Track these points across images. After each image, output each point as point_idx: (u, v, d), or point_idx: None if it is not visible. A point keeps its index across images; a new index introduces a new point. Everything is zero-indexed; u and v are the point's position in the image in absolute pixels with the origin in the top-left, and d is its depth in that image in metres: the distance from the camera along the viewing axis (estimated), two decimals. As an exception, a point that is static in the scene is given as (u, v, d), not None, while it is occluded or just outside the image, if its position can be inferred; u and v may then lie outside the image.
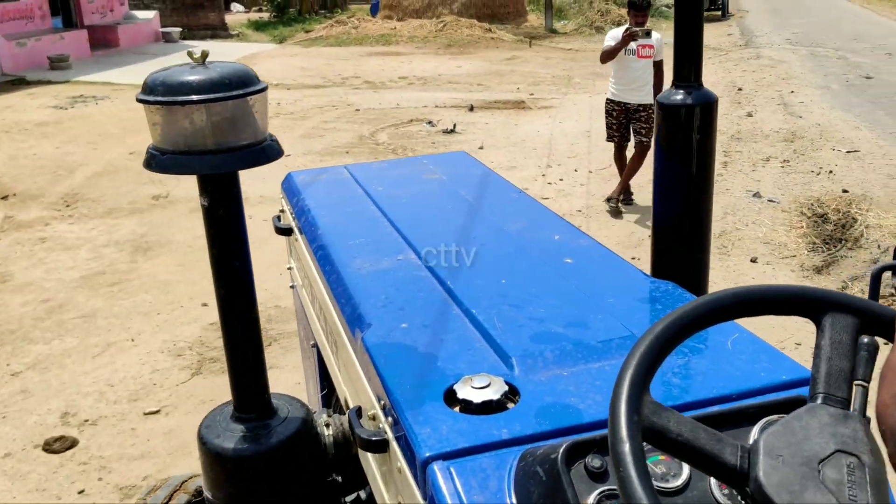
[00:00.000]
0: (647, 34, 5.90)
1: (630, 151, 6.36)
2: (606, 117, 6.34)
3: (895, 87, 11.32)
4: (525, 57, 16.54)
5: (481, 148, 8.50)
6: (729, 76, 13.20)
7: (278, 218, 2.34)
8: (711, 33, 17.81)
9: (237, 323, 1.47)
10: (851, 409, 0.82)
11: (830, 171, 7.11)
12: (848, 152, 7.85)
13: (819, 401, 0.80)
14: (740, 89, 11.87)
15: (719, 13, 22.74)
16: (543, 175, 7.43)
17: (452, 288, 1.55)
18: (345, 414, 1.65)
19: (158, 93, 1.27)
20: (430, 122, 9.95)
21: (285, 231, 2.24)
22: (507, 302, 1.47)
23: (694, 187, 1.70)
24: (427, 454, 1.05)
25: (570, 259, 1.66)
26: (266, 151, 1.36)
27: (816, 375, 0.82)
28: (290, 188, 2.30)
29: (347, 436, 1.58)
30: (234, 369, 1.50)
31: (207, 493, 1.56)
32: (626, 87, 6.16)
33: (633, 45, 5.95)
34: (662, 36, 6.03)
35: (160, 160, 1.31)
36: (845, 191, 6.48)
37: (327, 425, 1.59)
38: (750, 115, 9.93)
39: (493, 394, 1.15)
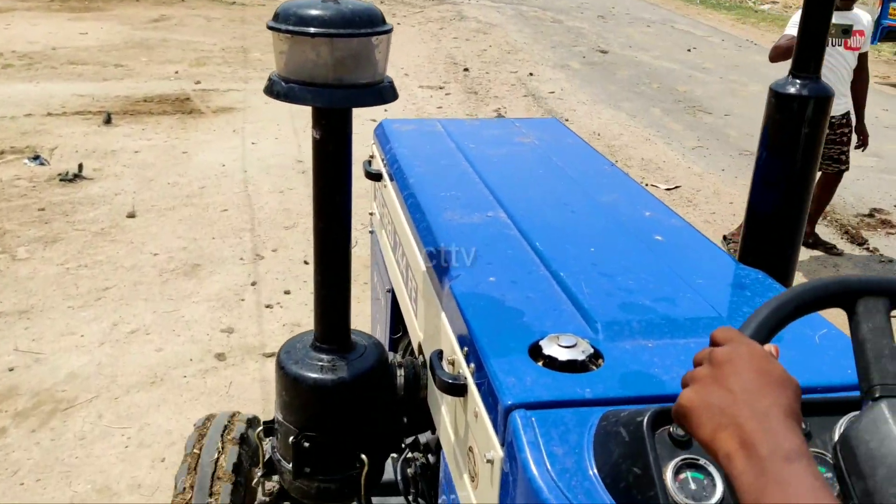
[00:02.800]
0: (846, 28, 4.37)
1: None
2: None
3: (641, 67, 10.48)
4: (178, 16, 12.09)
5: (132, 216, 4.96)
6: (442, 47, 11.06)
7: (368, 162, 2.38)
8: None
9: (331, 255, 1.51)
10: None
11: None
12: (668, 189, 6.09)
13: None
14: (466, 70, 9.78)
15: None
16: (243, 300, 4.09)
17: (542, 250, 1.57)
18: (416, 359, 1.69)
19: (290, 22, 1.30)
20: (36, 158, 5.75)
21: (375, 176, 2.28)
22: (596, 270, 1.49)
23: (795, 181, 1.68)
24: (510, 401, 1.08)
25: (661, 237, 1.66)
26: (382, 93, 1.38)
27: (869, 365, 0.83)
28: (382, 135, 2.34)
29: (418, 378, 1.62)
30: (321, 300, 1.55)
31: (279, 416, 1.63)
32: None
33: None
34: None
35: (280, 87, 1.35)
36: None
37: (400, 366, 1.64)
38: (501, 116, 7.72)
39: (579, 354, 1.17)
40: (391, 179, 2.09)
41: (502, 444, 1.10)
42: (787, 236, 1.72)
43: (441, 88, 8.96)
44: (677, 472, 0.94)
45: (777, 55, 4.47)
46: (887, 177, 6.77)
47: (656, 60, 11.06)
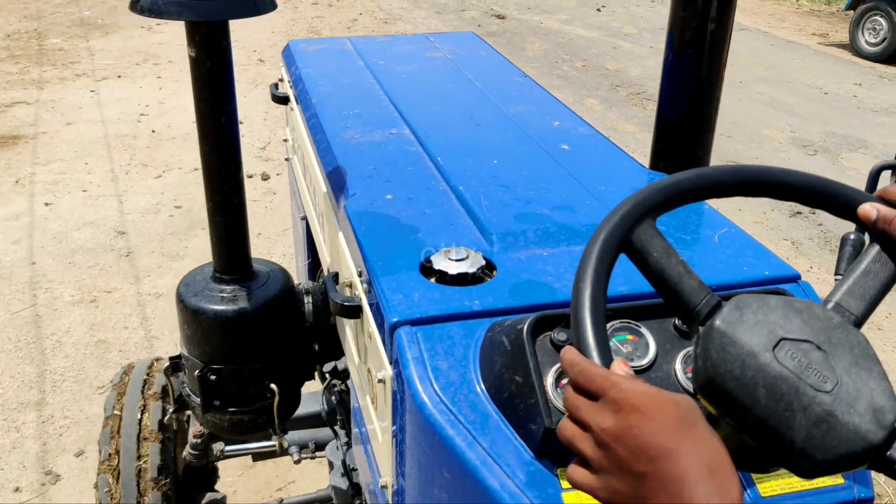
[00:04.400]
0: None
1: None
2: None
3: (552, 37, 8.48)
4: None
5: None
6: (300, 17, 9.30)
7: (276, 86, 2.28)
8: None
9: (221, 181, 1.44)
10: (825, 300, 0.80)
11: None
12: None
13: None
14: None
15: None
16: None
17: (442, 165, 1.51)
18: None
19: None
20: None
21: (282, 99, 2.19)
22: (496, 182, 1.44)
23: (703, 82, 1.64)
24: (395, 319, 1.05)
25: (567, 146, 1.62)
26: (257, 2, 1.30)
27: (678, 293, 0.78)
28: (289, 56, 2.23)
29: (326, 304, 1.58)
30: (216, 229, 1.48)
31: (184, 350, 1.57)
32: None
33: None
34: None
35: (146, 2, 1.25)
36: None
37: (307, 292, 1.59)
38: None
39: (469, 267, 1.14)
40: (297, 102, 2.00)
41: (391, 363, 1.07)
42: (697, 138, 1.69)
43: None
44: (558, 378, 0.92)
45: None
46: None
47: (566, 27, 9.12)
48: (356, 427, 1.50)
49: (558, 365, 0.92)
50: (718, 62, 1.65)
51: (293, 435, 2.01)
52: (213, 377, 1.52)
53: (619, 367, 0.69)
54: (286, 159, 2.47)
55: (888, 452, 0.68)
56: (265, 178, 4.95)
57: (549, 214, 1.31)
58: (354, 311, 1.24)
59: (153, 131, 5.62)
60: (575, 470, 0.68)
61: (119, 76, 6.94)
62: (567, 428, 0.69)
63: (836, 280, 0.85)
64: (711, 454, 0.62)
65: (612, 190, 1.42)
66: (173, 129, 5.72)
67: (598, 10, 10.03)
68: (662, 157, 1.72)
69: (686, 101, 1.66)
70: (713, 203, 1.41)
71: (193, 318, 1.49)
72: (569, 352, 0.72)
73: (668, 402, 0.64)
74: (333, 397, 1.86)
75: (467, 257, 1.15)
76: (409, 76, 2.05)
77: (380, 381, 1.10)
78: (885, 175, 1.05)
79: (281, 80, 2.29)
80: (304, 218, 2.06)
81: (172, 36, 8.04)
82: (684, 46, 1.63)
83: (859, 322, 0.77)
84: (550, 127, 1.72)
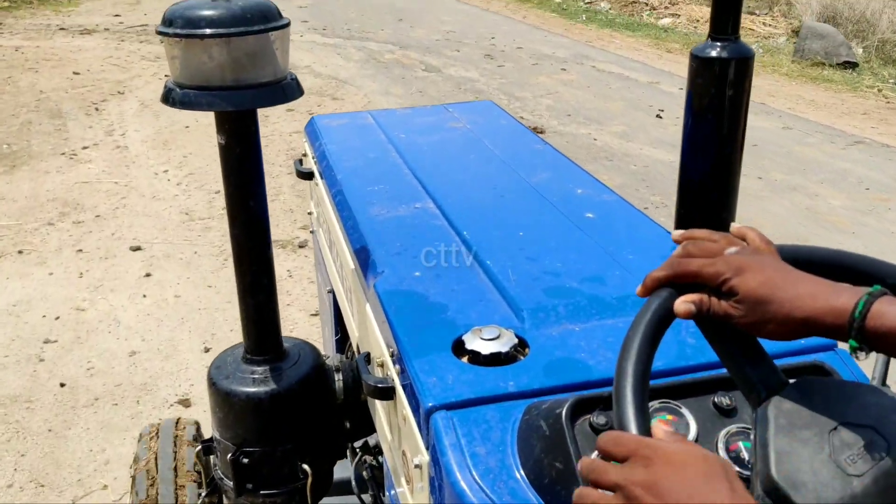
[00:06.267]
0: None
1: None
2: None
3: (620, 160, 5.98)
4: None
5: None
6: (276, 131, 6.47)
7: (300, 161, 2.31)
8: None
9: (251, 263, 1.46)
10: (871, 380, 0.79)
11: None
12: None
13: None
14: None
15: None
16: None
17: (468, 238, 1.52)
18: (355, 361, 1.64)
19: (177, 25, 1.24)
20: None
21: (307, 175, 2.22)
22: (523, 254, 1.45)
23: (724, 145, 1.65)
24: (430, 403, 1.04)
25: (592, 214, 1.63)
26: (285, 90, 1.33)
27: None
28: (312, 132, 2.28)
29: (358, 381, 1.57)
30: (247, 310, 1.49)
31: (216, 433, 1.57)
32: None
33: None
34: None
35: (177, 95, 1.29)
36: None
37: (338, 370, 1.59)
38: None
39: (502, 346, 1.13)
40: (321, 177, 2.03)
41: (427, 448, 1.06)
42: (720, 201, 1.69)
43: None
44: None
45: None
46: None
47: (628, 144, 6.45)
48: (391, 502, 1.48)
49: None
50: (737, 125, 1.67)
51: None
52: (245, 460, 1.51)
53: (659, 427, 0.70)
54: (311, 232, 2.49)
55: None
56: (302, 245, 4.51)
57: (579, 287, 1.31)
58: (388, 393, 1.24)
59: (62, 385, 3.27)
60: None
61: (20, 250, 4.46)
62: (589, 494, 0.68)
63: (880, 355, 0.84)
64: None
65: (641, 258, 1.42)
66: (104, 373, 3.37)
67: (659, 116, 7.19)
68: (687, 221, 1.72)
69: (708, 164, 1.67)
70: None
71: (226, 400, 1.50)
72: (605, 434, 0.72)
73: (699, 456, 0.65)
74: (365, 472, 1.84)
75: (499, 336, 1.15)
76: (431, 148, 2.08)
77: (416, 466, 1.09)
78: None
79: (305, 155, 2.33)
80: (331, 291, 2.07)
81: (105, 165, 5.80)
82: (703, 111, 1.64)
83: None
84: (574, 195, 1.73)
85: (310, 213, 2.46)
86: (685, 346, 1.15)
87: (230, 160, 1.39)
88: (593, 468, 0.69)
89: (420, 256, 1.47)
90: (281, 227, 4.76)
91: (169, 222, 4.90)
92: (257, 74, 1.30)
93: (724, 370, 0.82)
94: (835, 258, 0.83)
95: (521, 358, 1.13)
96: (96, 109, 7.16)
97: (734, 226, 0.87)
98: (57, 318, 3.81)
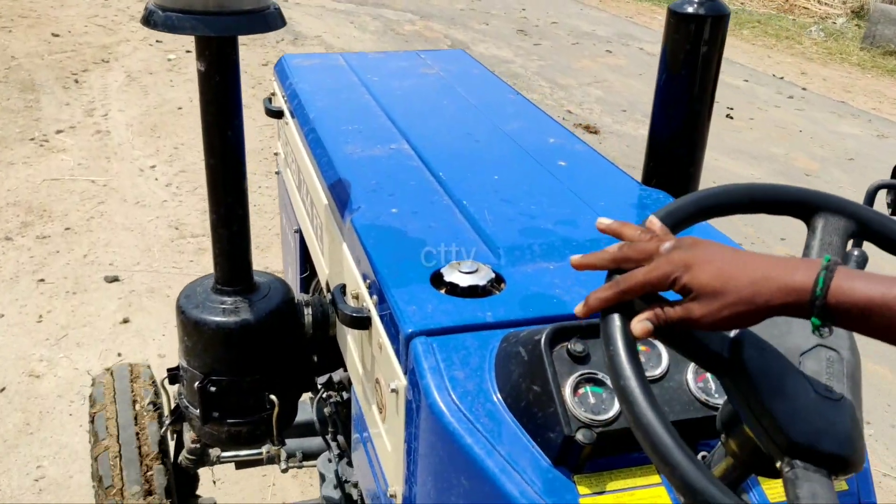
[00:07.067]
0: None
1: None
2: None
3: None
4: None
5: None
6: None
7: (269, 100, 2.29)
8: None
9: (225, 193, 1.45)
10: None
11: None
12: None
13: None
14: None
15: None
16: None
17: (444, 179, 1.54)
18: (324, 297, 1.66)
19: None
20: None
21: (276, 113, 2.20)
22: (498, 197, 1.47)
23: (695, 101, 1.69)
24: (410, 329, 1.07)
25: (564, 162, 1.66)
26: (267, 19, 1.32)
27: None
28: (282, 71, 2.25)
29: (326, 316, 1.59)
30: (219, 240, 1.49)
31: (183, 362, 1.58)
32: None
33: None
34: None
35: (159, 17, 1.27)
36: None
37: (307, 305, 1.60)
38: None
39: (480, 279, 1.16)
40: (292, 116, 2.02)
41: (405, 373, 1.09)
42: (688, 156, 1.74)
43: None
44: (576, 387, 0.95)
45: None
46: None
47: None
48: (357, 434, 1.51)
49: (576, 374, 0.95)
50: (709, 82, 1.71)
51: None
52: (212, 388, 1.52)
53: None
54: (276, 173, 2.47)
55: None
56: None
57: (553, 229, 1.34)
58: (364, 322, 1.26)
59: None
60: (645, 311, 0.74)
61: None
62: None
63: None
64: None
65: (612, 205, 1.46)
66: (57, 487, 2.39)
67: (729, 116, 6.25)
68: (655, 173, 1.77)
69: (679, 120, 1.71)
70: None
71: (195, 329, 1.50)
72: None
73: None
74: (327, 409, 1.87)
75: (477, 270, 1.18)
76: (404, 92, 2.08)
77: (392, 390, 1.12)
78: (881, 194, 1.09)
79: (273, 93, 2.30)
80: (298, 231, 2.07)
81: (81, 156, 4.85)
82: (678, 67, 1.68)
83: None
84: (546, 144, 1.76)
85: (276, 154, 2.44)
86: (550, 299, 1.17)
87: (209, 88, 1.37)
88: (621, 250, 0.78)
89: (396, 194, 1.48)
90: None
91: (155, 240, 3.93)
92: (241, 1, 1.28)
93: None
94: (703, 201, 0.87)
95: (497, 292, 1.17)
96: (76, 82, 6.06)
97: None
98: (2, 389, 2.82)
